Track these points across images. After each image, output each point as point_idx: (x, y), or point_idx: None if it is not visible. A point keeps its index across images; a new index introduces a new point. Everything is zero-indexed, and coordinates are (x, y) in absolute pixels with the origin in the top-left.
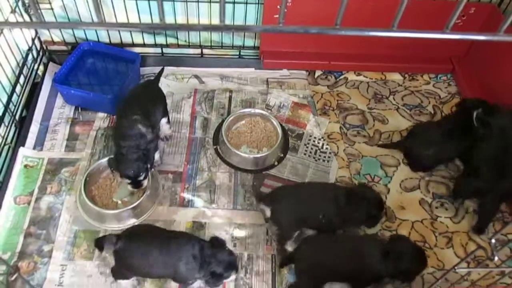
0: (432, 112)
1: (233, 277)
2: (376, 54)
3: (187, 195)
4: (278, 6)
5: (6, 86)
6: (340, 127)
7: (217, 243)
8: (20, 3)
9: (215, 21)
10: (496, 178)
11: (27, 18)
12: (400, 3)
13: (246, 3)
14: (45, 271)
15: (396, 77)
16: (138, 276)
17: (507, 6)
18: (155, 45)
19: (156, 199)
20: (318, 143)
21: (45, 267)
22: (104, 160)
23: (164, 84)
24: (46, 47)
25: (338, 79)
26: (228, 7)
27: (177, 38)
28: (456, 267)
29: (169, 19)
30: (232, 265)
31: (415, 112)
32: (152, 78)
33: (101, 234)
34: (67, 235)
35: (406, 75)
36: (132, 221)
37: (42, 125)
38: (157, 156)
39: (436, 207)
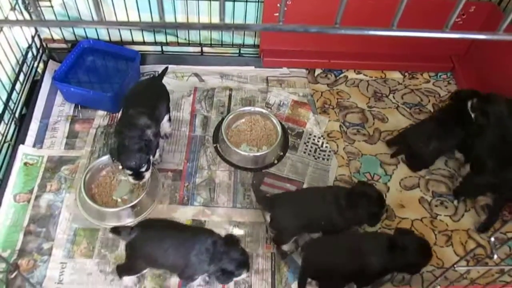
0: (432, 110)
1: (243, 276)
2: (376, 52)
3: (187, 193)
4: (278, 5)
5: (6, 84)
6: (340, 126)
7: (231, 240)
8: (20, 1)
9: (215, 19)
10: (502, 171)
11: (27, 16)
12: (399, 2)
13: (246, 1)
14: (45, 269)
15: (396, 75)
16: (151, 267)
17: (507, 5)
18: (155, 43)
19: (156, 197)
20: (318, 141)
21: (45, 265)
22: (104, 158)
23: (164, 82)
24: (46, 45)
25: (338, 78)
26: (228, 5)
27: (177, 36)
28: (455, 265)
29: (169, 17)
30: (243, 264)
31: (415, 111)
32: (153, 76)
33: (100, 232)
34: (67, 233)
35: (406, 74)
36: (131, 219)
37: (42, 122)
38: (157, 154)
39: (436, 206)
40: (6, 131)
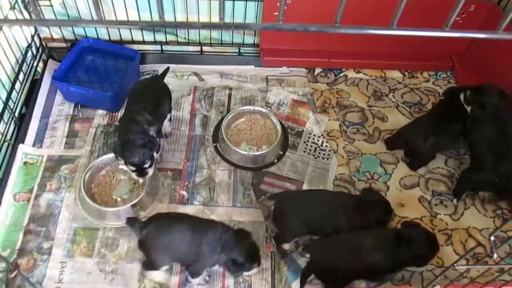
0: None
1: (254, 270)
2: (375, 51)
3: (186, 193)
4: (278, 4)
5: (5, 83)
6: (340, 125)
7: (242, 233)
8: (19, 0)
9: (215, 18)
10: (499, 165)
11: (26, 15)
12: (399, 1)
13: (246, 0)
14: (45, 268)
15: (396, 74)
16: (166, 261)
17: (507, 4)
18: (155, 43)
19: (156, 197)
20: (318, 140)
21: (44, 264)
22: (104, 157)
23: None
24: (46, 44)
25: (337, 77)
26: (228, 4)
27: (176, 36)
28: (455, 264)
29: (168, 17)
30: (254, 257)
31: (414, 110)
32: (155, 75)
33: (100, 232)
34: (67, 232)
35: (406, 73)
36: None
37: (42, 122)
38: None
39: (436, 204)
40: (6, 131)
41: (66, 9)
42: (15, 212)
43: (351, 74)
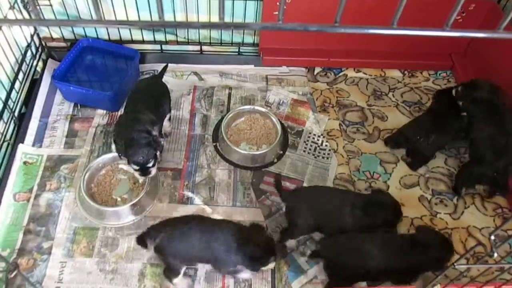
0: None
1: (271, 265)
2: (375, 50)
3: (186, 192)
4: (278, 3)
5: (5, 83)
6: (340, 124)
7: (256, 227)
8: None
9: (215, 17)
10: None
11: (25, 14)
12: (399, 0)
13: None
14: (45, 268)
15: (396, 73)
16: (185, 265)
17: (507, 2)
18: (154, 42)
19: (156, 196)
20: (318, 140)
21: (44, 264)
22: (104, 157)
23: (164, 81)
24: (45, 43)
25: (337, 76)
26: (228, 4)
27: (176, 35)
28: (455, 264)
29: (168, 16)
30: (270, 251)
31: (414, 109)
32: (153, 74)
33: (100, 231)
34: (67, 232)
35: (406, 72)
36: (131, 218)
37: (41, 121)
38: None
39: (436, 204)
40: (6, 130)
41: (65, 8)
42: (15, 212)
43: (350, 73)
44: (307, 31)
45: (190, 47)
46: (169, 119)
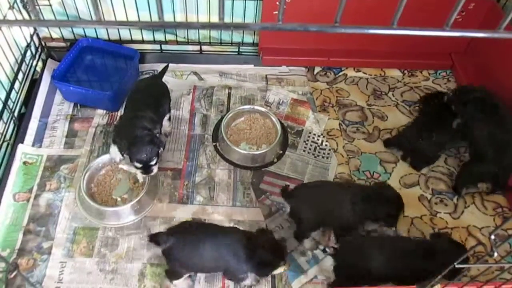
0: None
1: (281, 269)
2: (375, 50)
3: (186, 192)
4: (278, 3)
5: (4, 83)
6: (340, 124)
7: (263, 232)
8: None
9: (214, 17)
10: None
11: (25, 14)
12: (400, 0)
13: None
14: (45, 268)
15: (396, 73)
16: (192, 272)
17: (506, 2)
18: (154, 42)
19: (156, 196)
20: (318, 139)
21: (44, 264)
22: (104, 157)
23: (163, 81)
24: (45, 43)
25: (337, 76)
26: (227, 3)
27: (176, 35)
28: (455, 263)
29: (168, 16)
30: (279, 254)
31: (414, 109)
32: (153, 74)
33: (100, 231)
34: (67, 232)
35: (406, 71)
36: (131, 218)
37: (41, 121)
38: None
39: (436, 203)
40: (5, 130)
41: (65, 8)
42: (14, 212)
43: (350, 73)
44: (307, 31)
45: (190, 47)
46: (169, 119)
